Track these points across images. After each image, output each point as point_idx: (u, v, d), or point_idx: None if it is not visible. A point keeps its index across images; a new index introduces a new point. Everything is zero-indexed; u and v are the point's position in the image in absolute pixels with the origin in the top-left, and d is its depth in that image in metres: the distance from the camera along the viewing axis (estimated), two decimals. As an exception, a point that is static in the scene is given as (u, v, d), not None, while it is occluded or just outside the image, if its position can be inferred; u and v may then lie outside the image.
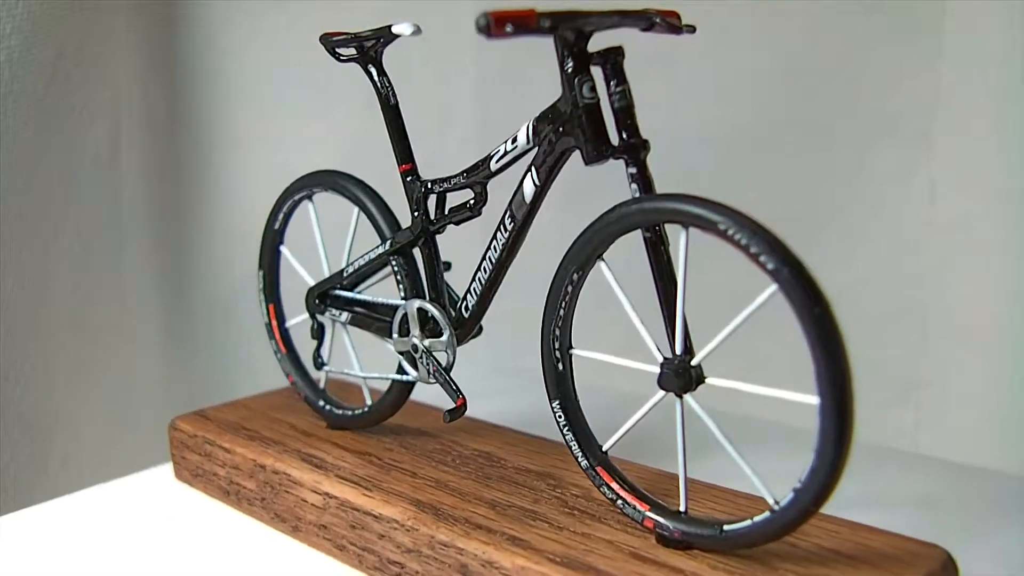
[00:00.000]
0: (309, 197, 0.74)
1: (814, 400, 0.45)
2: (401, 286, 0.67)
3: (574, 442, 0.57)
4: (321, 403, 0.75)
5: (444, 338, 0.64)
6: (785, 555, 0.52)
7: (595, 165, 0.53)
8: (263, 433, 0.74)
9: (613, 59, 0.53)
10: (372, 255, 0.68)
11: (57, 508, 0.75)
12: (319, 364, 0.74)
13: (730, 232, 0.46)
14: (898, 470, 0.82)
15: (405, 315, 0.66)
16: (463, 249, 0.72)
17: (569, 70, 0.52)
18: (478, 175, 0.61)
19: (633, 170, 0.52)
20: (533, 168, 0.56)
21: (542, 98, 0.56)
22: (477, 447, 0.70)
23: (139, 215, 1.09)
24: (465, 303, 0.63)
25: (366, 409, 0.72)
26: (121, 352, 1.07)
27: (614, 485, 0.56)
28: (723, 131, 0.96)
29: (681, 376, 0.52)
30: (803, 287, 0.44)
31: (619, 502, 0.56)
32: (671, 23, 0.55)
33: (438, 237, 0.66)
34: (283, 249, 0.76)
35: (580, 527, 0.57)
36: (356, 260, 0.70)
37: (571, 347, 0.57)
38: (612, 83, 0.52)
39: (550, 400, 0.58)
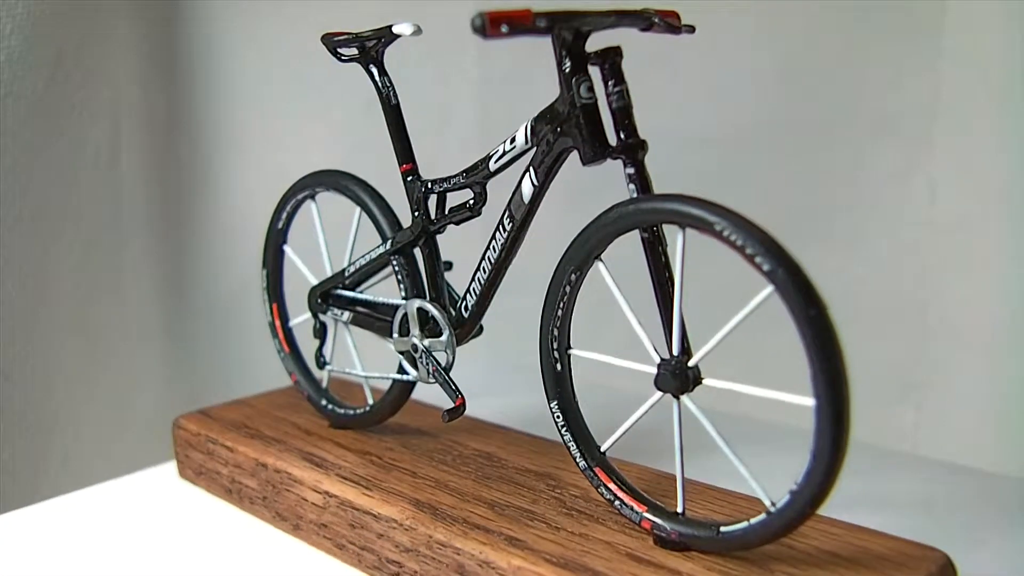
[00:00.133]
0: (312, 197, 0.74)
1: (810, 402, 0.45)
2: (402, 286, 0.67)
3: (572, 443, 0.57)
4: (324, 402, 0.75)
5: (444, 338, 0.64)
6: (782, 557, 0.52)
7: (593, 165, 0.53)
8: (265, 432, 0.74)
9: (611, 59, 0.52)
10: (373, 255, 0.68)
11: (62, 505, 0.76)
12: (321, 363, 0.75)
13: (726, 233, 0.46)
14: (898, 471, 0.82)
15: (405, 315, 0.66)
16: (464, 249, 0.72)
17: (567, 70, 0.52)
18: (477, 175, 0.61)
19: (631, 170, 0.52)
20: (531, 168, 0.56)
21: (542, 98, 0.56)
22: (478, 447, 0.70)
23: (139, 215, 1.10)
24: (465, 303, 0.63)
25: (367, 408, 0.72)
26: (121, 352, 1.07)
27: (612, 486, 0.56)
28: (723, 131, 0.96)
29: (678, 377, 0.52)
30: (798, 289, 0.44)
31: (617, 503, 0.56)
32: (670, 23, 0.54)
33: (439, 237, 0.66)
34: (286, 248, 0.76)
35: (578, 528, 0.57)
36: (358, 260, 0.70)
37: (569, 347, 0.57)
38: (610, 83, 0.52)
39: (548, 400, 0.58)
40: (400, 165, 0.66)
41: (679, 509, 0.54)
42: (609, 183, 0.59)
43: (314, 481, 0.66)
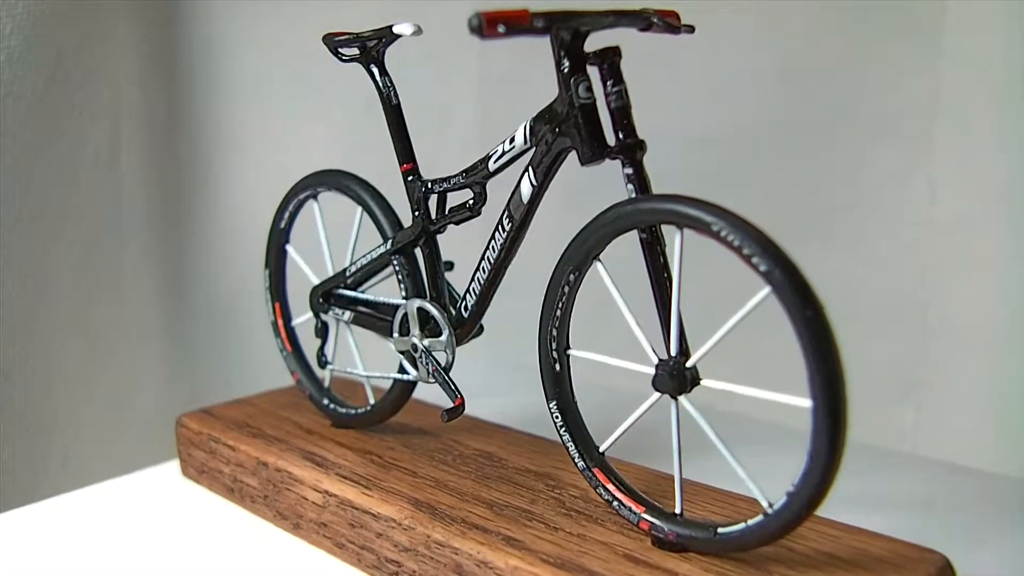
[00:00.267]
0: (314, 196, 0.74)
1: (807, 403, 0.45)
2: (402, 285, 0.67)
3: (571, 443, 0.57)
4: (325, 401, 0.75)
5: (443, 338, 0.64)
6: (780, 559, 0.52)
7: (591, 165, 0.53)
8: (267, 431, 0.74)
9: (610, 59, 0.52)
10: (374, 254, 0.69)
11: (65, 503, 0.76)
12: (323, 363, 0.75)
13: (723, 234, 0.46)
14: (897, 471, 0.82)
15: (405, 315, 0.66)
16: (464, 249, 0.72)
17: (565, 70, 0.52)
18: (477, 175, 0.61)
19: (629, 170, 0.52)
20: (530, 168, 0.56)
21: (542, 98, 0.56)
22: (478, 447, 0.70)
23: (139, 215, 1.10)
24: (464, 303, 0.63)
25: (369, 408, 0.72)
26: (121, 352, 1.07)
27: (610, 487, 0.56)
28: (723, 131, 0.96)
29: (676, 378, 0.51)
30: (795, 289, 0.44)
31: (615, 504, 0.56)
32: (669, 23, 0.54)
33: (439, 237, 0.66)
34: (289, 248, 0.76)
35: (576, 528, 0.57)
36: (359, 259, 0.70)
37: (568, 348, 0.57)
38: (609, 83, 0.52)
39: (547, 400, 0.58)
40: (400, 165, 0.66)
41: (677, 510, 0.54)
42: (608, 183, 0.59)
43: (314, 480, 0.66)
